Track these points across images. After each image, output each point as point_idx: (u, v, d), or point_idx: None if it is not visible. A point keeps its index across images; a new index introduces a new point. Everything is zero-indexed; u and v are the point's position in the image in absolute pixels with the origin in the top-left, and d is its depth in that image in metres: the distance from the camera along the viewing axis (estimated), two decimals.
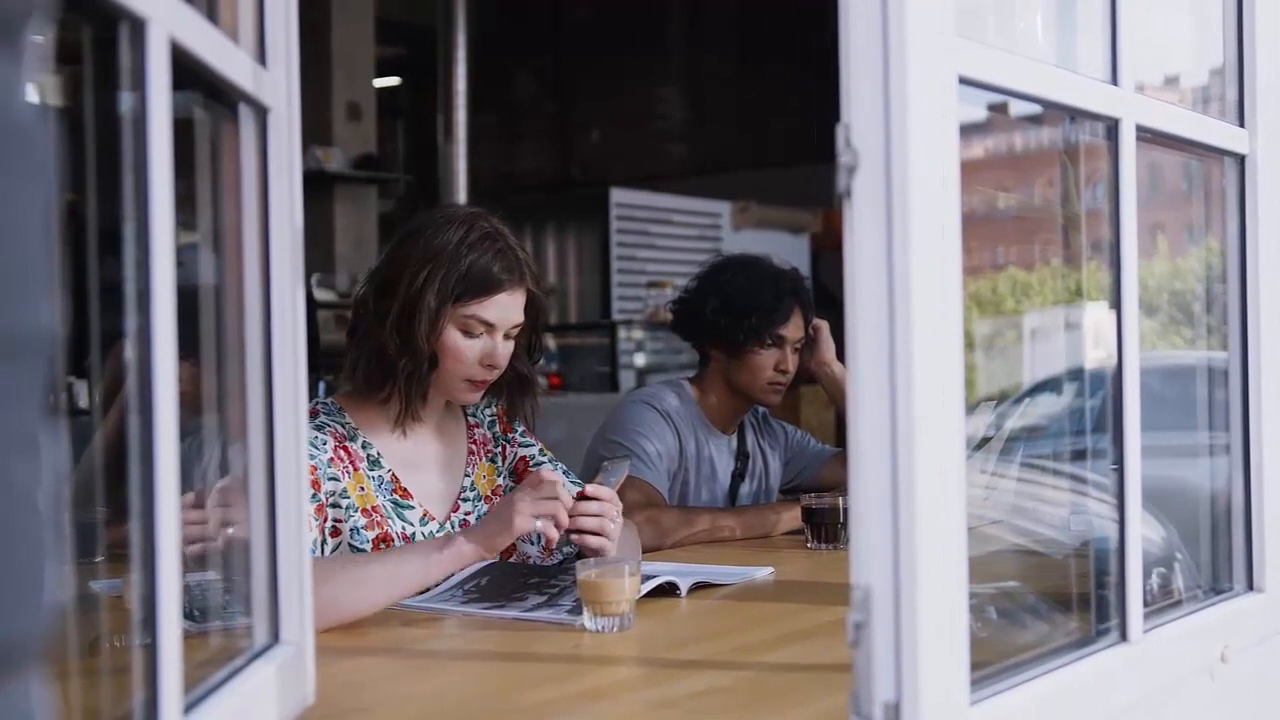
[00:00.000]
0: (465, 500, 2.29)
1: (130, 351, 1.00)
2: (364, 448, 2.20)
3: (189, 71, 1.11)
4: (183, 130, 1.06)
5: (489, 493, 2.33)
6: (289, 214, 1.37)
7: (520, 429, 2.43)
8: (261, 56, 1.34)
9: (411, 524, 2.19)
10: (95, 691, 1.13)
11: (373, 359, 2.18)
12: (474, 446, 2.35)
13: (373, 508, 2.15)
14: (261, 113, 1.33)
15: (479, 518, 2.26)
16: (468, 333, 2.17)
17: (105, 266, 1.01)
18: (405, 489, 2.21)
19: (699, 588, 2.15)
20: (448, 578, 2.06)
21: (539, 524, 1.98)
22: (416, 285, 2.13)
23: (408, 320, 2.14)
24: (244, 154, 1.33)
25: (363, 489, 2.16)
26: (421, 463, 2.26)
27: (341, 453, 2.15)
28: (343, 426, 2.20)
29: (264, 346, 1.34)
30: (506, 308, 2.19)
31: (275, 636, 1.35)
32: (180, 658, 1.01)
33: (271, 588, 1.35)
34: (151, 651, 0.99)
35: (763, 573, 2.33)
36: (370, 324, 2.18)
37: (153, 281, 0.99)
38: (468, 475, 2.32)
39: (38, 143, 0.53)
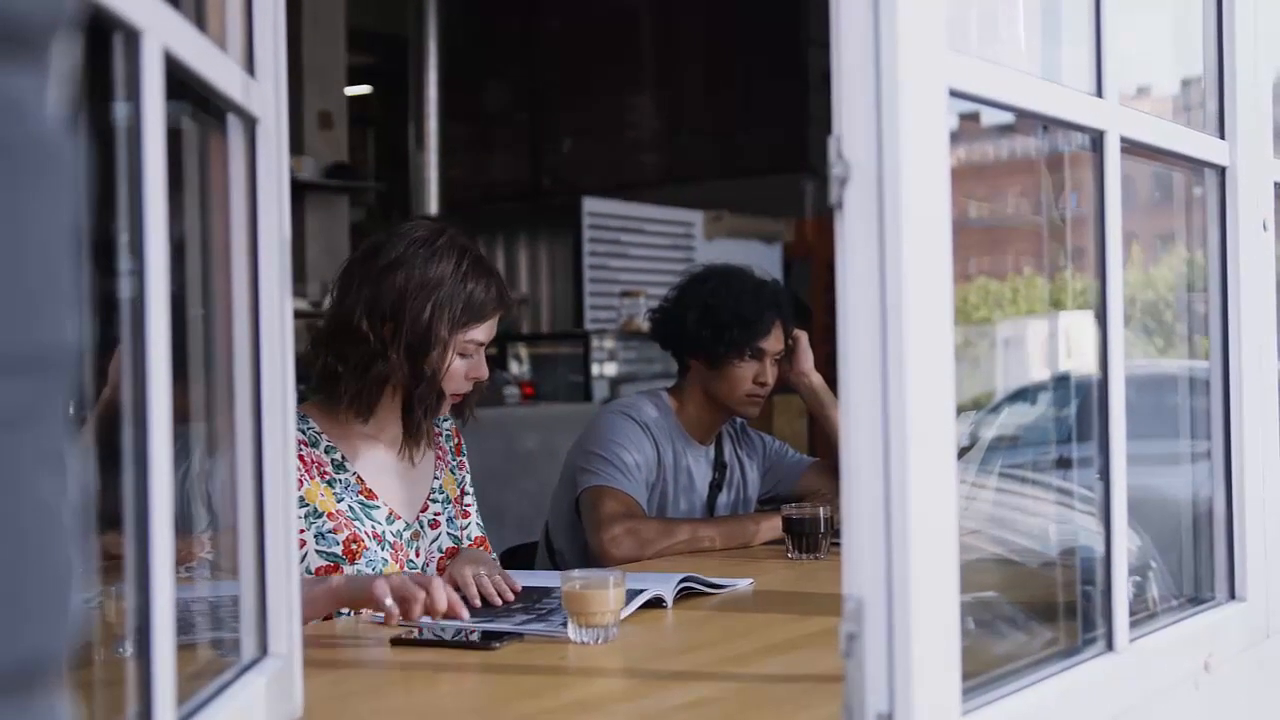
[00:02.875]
0: (435, 501, 2.38)
1: (123, 362, 0.99)
2: (327, 453, 2.26)
3: (179, 82, 1.10)
4: (170, 140, 1.06)
5: (453, 498, 2.43)
6: (277, 224, 1.36)
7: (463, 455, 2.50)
8: (250, 67, 1.33)
9: (379, 523, 2.25)
10: (85, 704, 1.12)
11: (375, 386, 2.22)
12: (440, 452, 2.44)
13: (337, 510, 2.21)
14: (250, 123, 1.33)
15: (448, 519, 2.38)
16: (464, 355, 2.27)
17: (94, 276, 1.00)
18: (370, 490, 2.27)
19: (685, 596, 2.15)
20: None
21: (389, 601, 1.89)
22: (425, 318, 2.20)
23: (421, 352, 2.21)
24: (232, 164, 1.33)
25: (323, 495, 2.20)
26: (389, 467, 2.33)
27: (297, 461, 2.16)
28: (304, 433, 2.24)
29: (252, 357, 1.34)
30: (494, 327, 2.31)
31: (264, 649, 1.35)
32: (174, 671, 1.00)
33: (260, 601, 1.34)
34: (145, 665, 0.99)
35: (743, 584, 2.33)
36: (370, 353, 2.20)
37: (147, 292, 0.98)
38: (436, 478, 2.40)
39: (64, 157, 0.53)
